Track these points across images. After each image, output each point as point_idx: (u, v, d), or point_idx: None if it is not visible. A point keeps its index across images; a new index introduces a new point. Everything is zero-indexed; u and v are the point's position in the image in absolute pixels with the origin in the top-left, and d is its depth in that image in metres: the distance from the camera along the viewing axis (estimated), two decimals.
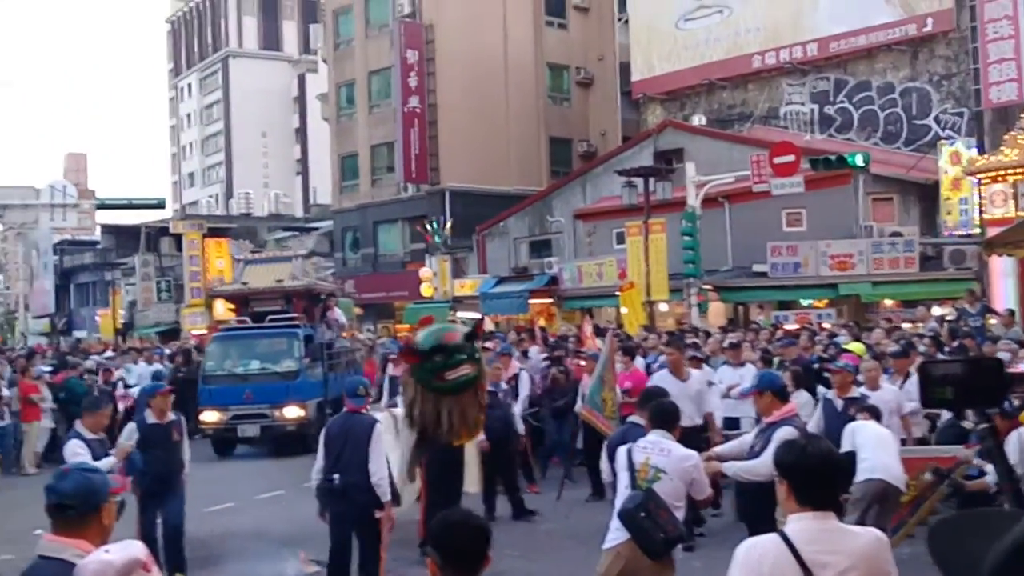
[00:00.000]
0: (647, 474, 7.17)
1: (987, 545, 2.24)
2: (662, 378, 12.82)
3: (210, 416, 22.24)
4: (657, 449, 7.28)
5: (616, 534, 7.08)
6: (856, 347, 16.42)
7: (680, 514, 7.18)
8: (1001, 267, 25.06)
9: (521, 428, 15.21)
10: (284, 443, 21.72)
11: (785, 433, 7.45)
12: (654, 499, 6.96)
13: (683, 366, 12.95)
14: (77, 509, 4.07)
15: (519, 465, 15.02)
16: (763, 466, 7.51)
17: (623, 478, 7.33)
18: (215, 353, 23.62)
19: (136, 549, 3.36)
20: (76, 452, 9.64)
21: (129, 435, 10.75)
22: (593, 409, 14.32)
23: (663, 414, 7.61)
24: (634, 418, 9.87)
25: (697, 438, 10.98)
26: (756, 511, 8.99)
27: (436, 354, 11.25)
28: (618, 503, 7.24)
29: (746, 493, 9.27)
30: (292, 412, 22.02)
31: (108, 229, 72.98)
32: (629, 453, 7.38)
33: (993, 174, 24.27)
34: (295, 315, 23.60)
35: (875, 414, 10.36)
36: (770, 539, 4.21)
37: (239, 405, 21.99)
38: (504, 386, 15.02)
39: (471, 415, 11.52)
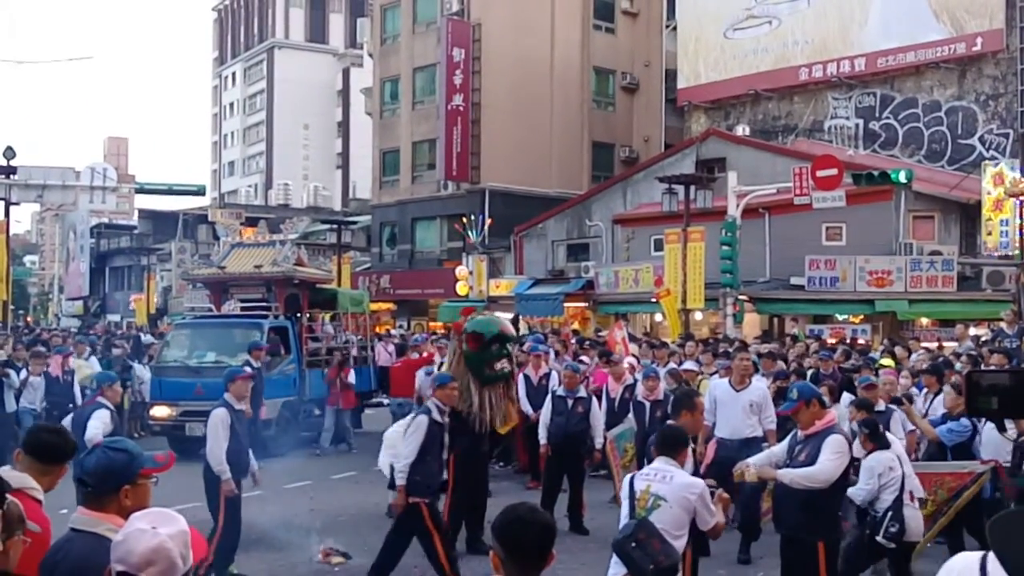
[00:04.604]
0: (647, 502, 6.81)
1: None
2: (719, 386, 12.80)
3: (160, 411, 20.03)
4: (659, 476, 6.91)
5: (615, 569, 6.66)
6: (890, 363, 16.45)
7: (680, 544, 6.76)
8: None
9: (600, 442, 14.11)
10: None
11: (837, 440, 7.79)
12: (645, 528, 6.53)
13: (746, 375, 12.65)
14: (94, 488, 4.03)
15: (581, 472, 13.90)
16: (822, 473, 7.83)
17: (624, 507, 7.00)
18: (173, 343, 21.75)
19: (180, 518, 3.29)
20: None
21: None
22: (616, 450, 14.33)
23: (667, 440, 7.22)
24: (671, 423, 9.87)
25: (755, 450, 10.28)
26: (802, 520, 8.52)
27: (495, 343, 11.53)
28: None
29: (792, 502, 8.73)
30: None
31: (146, 214, 73.93)
32: (632, 481, 7.05)
33: None
34: (271, 305, 21.65)
35: (868, 409, 10.33)
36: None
37: (189, 400, 19.09)
38: (583, 392, 14.01)
39: (503, 405, 11.84)
